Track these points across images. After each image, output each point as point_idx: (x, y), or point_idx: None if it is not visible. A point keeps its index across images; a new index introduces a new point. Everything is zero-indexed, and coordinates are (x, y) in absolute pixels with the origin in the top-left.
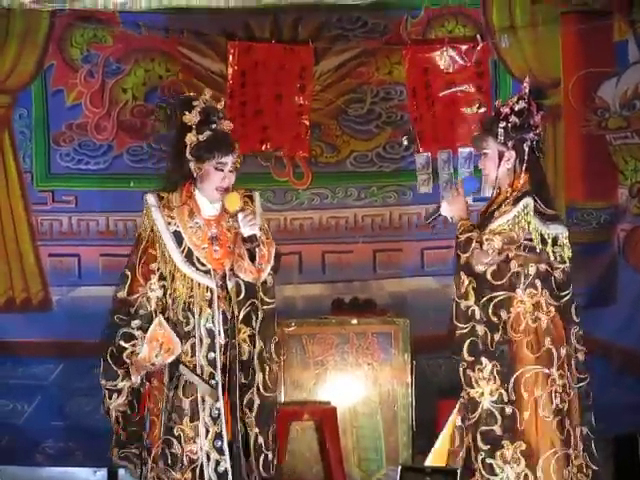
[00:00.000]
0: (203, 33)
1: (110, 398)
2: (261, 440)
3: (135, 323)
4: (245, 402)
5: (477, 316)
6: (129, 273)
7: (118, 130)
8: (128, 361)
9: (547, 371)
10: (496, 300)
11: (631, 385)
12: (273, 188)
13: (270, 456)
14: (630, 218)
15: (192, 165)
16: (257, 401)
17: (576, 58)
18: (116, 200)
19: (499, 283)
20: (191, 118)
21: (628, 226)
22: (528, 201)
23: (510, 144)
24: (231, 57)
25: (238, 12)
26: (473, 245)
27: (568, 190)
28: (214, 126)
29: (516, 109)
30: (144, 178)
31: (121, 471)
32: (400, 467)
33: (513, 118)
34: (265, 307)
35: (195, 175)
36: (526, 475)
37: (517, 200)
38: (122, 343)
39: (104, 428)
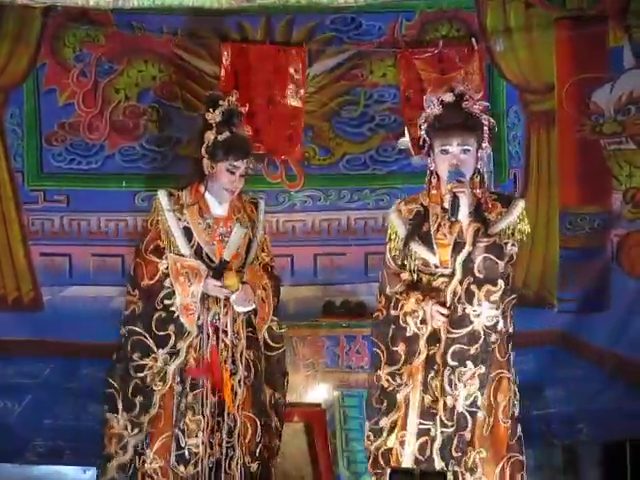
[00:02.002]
0: (196, 34)
1: (169, 361)
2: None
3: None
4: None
5: (499, 326)
6: (141, 261)
7: (110, 130)
8: (179, 317)
9: (510, 375)
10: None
11: (623, 391)
12: (265, 190)
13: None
14: (624, 223)
15: (205, 162)
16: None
17: (570, 63)
18: (108, 200)
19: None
20: (213, 117)
21: (622, 231)
22: (523, 204)
23: (486, 144)
24: (224, 58)
25: (232, 13)
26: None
27: (561, 195)
28: (234, 129)
29: (483, 107)
30: (136, 178)
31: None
32: (389, 470)
33: (488, 117)
34: (272, 353)
35: (207, 173)
36: None
37: (505, 201)
38: (163, 314)
39: (94, 428)
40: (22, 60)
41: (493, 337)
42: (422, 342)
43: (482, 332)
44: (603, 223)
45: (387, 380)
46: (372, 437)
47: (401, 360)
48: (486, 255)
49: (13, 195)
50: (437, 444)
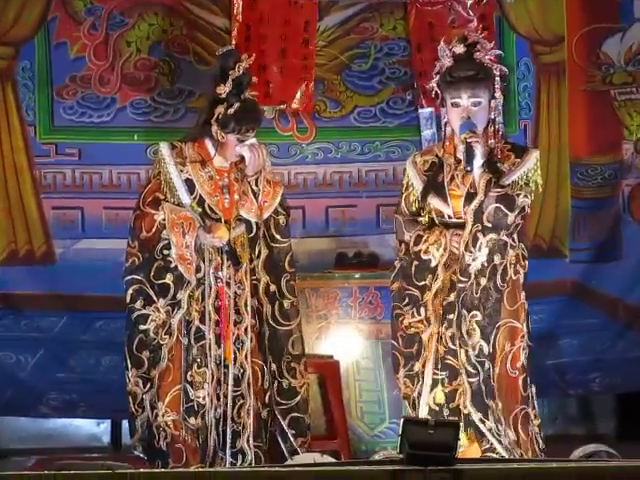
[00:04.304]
0: None
1: (172, 313)
2: (274, 368)
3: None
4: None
5: (494, 274)
6: (139, 213)
7: (122, 83)
8: (177, 267)
9: (519, 325)
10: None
11: (637, 341)
12: (277, 142)
13: (285, 383)
14: (635, 173)
15: (214, 129)
16: (267, 332)
17: (580, 14)
18: (120, 153)
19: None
20: (223, 89)
21: (633, 181)
22: (538, 155)
23: (498, 94)
24: (235, 11)
25: None
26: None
27: (572, 146)
28: (242, 96)
29: (494, 56)
30: (148, 131)
31: (125, 423)
32: (403, 420)
33: (499, 66)
34: (276, 245)
35: (215, 138)
36: (507, 434)
37: (519, 152)
38: (162, 264)
39: (107, 380)
40: (33, 13)
41: (483, 281)
42: (440, 268)
43: (472, 276)
44: (614, 173)
45: (409, 324)
46: (409, 384)
47: (423, 296)
48: (497, 205)
49: (25, 149)
50: (468, 396)
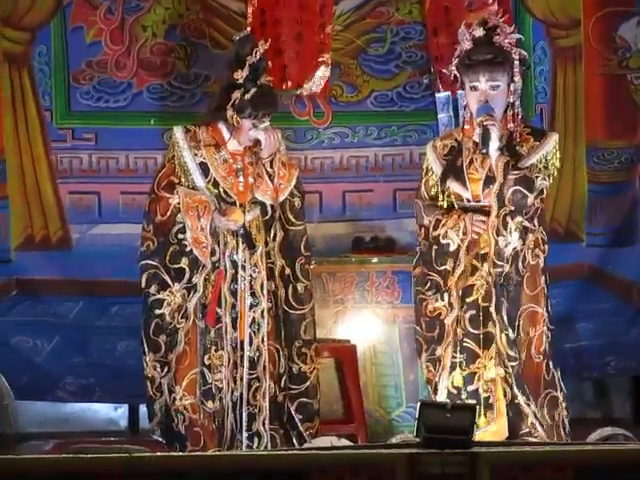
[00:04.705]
0: None
1: (187, 296)
2: (286, 353)
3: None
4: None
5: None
6: (154, 197)
7: (138, 68)
8: (192, 251)
9: (540, 310)
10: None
11: None
12: (293, 127)
13: (295, 368)
14: None
15: (230, 113)
16: (281, 316)
17: None
18: (136, 138)
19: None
20: (241, 74)
21: None
22: (557, 138)
23: (518, 78)
24: None
25: None
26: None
27: (589, 130)
28: (259, 82)
29: (514, 40)
30: (164, 116)
31: (142, 407)
32: (419, 403)
33: (519, 50)
34: (292, 227)
35: (230, 122)
36: (544, 416)
37: (538, 135)
38: (177, 248)
39: (124, 365)
40: None
41: (507, 267)
42: (462, 253)
43: (506, 260)
44: (630, 157)
45: (434, 309)
46: (432, 368)
47: (446, 281)
48: (516, 188)
49: (41, 134)
50: (513, 380)
